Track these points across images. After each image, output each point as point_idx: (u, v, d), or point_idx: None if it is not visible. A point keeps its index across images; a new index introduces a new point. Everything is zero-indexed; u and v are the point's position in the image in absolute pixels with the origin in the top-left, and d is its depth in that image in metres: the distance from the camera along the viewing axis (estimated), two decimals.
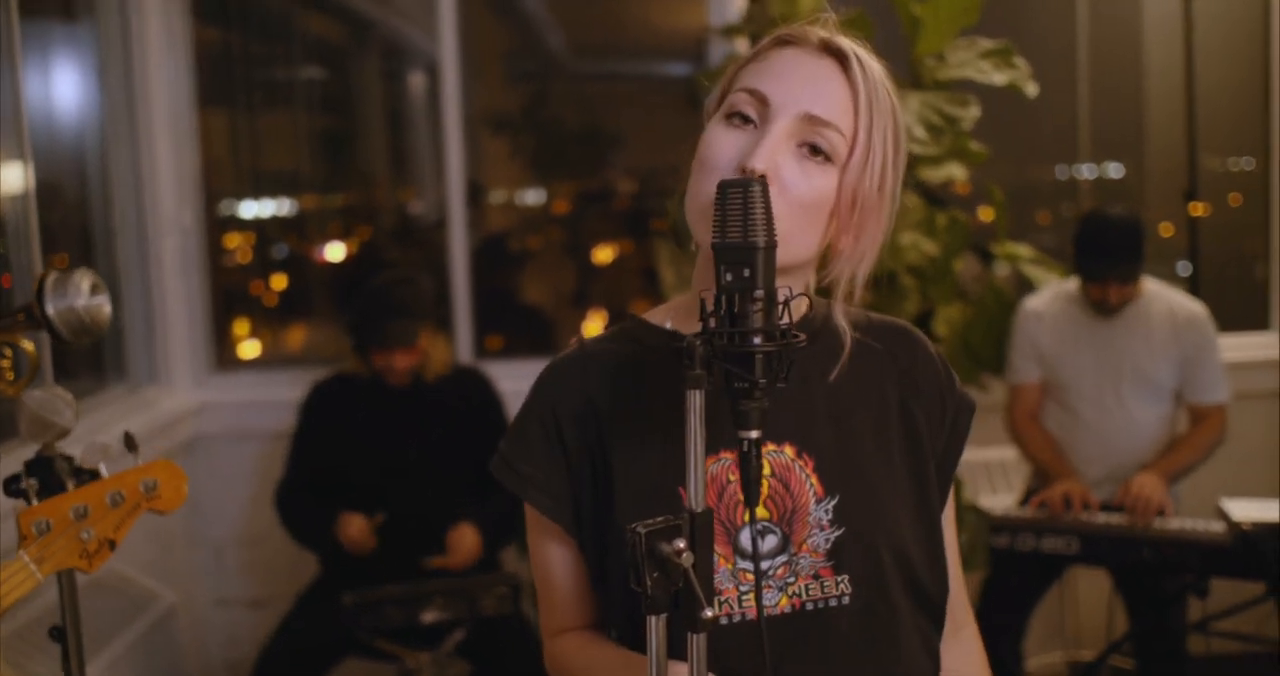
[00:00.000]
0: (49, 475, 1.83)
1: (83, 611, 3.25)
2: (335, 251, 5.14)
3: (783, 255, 1.26)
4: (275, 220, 5.08)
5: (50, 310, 2.01)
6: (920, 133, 3.23)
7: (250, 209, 5.02)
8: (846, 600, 1.33)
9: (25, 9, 3.73)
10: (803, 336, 1.17)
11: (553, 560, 1.42)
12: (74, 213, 4.05)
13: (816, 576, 1.32)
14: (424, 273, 4.12)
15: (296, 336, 5.04)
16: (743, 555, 1.32)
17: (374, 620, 3.11)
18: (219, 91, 4.64)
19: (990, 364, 3.76)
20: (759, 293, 1.14)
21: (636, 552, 1.10)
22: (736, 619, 1.31)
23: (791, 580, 1.32)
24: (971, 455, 3.87)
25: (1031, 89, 3.37)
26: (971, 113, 3.27)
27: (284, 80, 5.17)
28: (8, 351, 2.16)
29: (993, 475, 3.90)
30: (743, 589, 1.32)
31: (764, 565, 1.32)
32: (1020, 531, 3.22)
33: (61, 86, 3.99)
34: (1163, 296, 3.48)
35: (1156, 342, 3.42)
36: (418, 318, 3.42)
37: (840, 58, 1.31)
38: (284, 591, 3.77)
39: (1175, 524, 3.18)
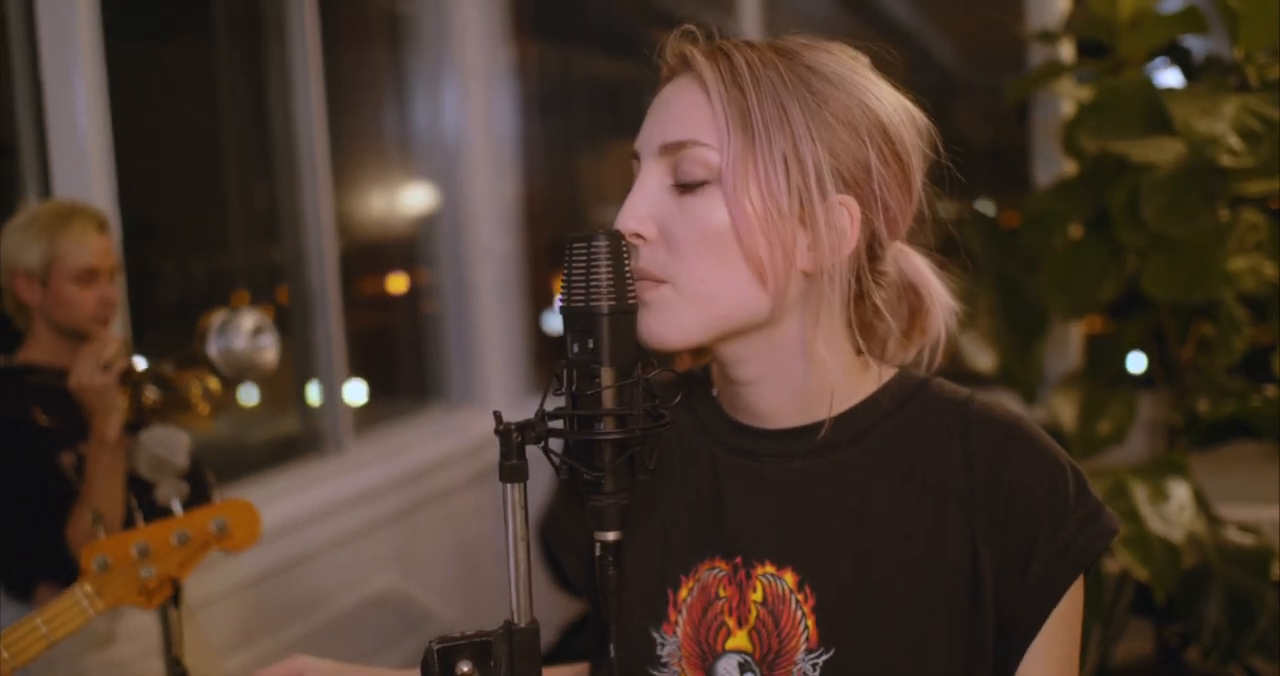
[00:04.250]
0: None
1: (355, 626, 3.39)
2: None
3: (721, 319, 1.06)
4: None
5: (213, 350, 2.07)
6: (1235, 142, 2.78)
7: None
8: None
9: (358, 41, 3.94)
10: (666, 419, 0.98)
11: None
12: (404, 239, 4.24)
13: None
14: None
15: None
16: None
17: None
18: (561, 116, 4.71)
19: None
20: (596, 367, 0.95)
21: (429, 673, 0.94)
22: None
23: None
24: None
25: None
26: None
27: (639, 103, 5.19)
28: (196, 385, 2.25)
29: None
30: None
31: None
32: None
33: (401, 117, 4.19)
34: None
35: None
36: None
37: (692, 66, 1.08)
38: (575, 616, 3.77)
39: None
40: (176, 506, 1.78)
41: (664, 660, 1.14)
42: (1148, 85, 3.15)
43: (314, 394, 3.61)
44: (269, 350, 2.10)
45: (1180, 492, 2.66)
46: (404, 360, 4.29)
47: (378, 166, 4.22)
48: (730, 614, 1.12)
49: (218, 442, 3.30)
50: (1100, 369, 3.41)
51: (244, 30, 3.50)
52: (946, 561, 1.07)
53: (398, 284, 4.25)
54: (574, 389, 0.97)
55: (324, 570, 3.32)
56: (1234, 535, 2.71)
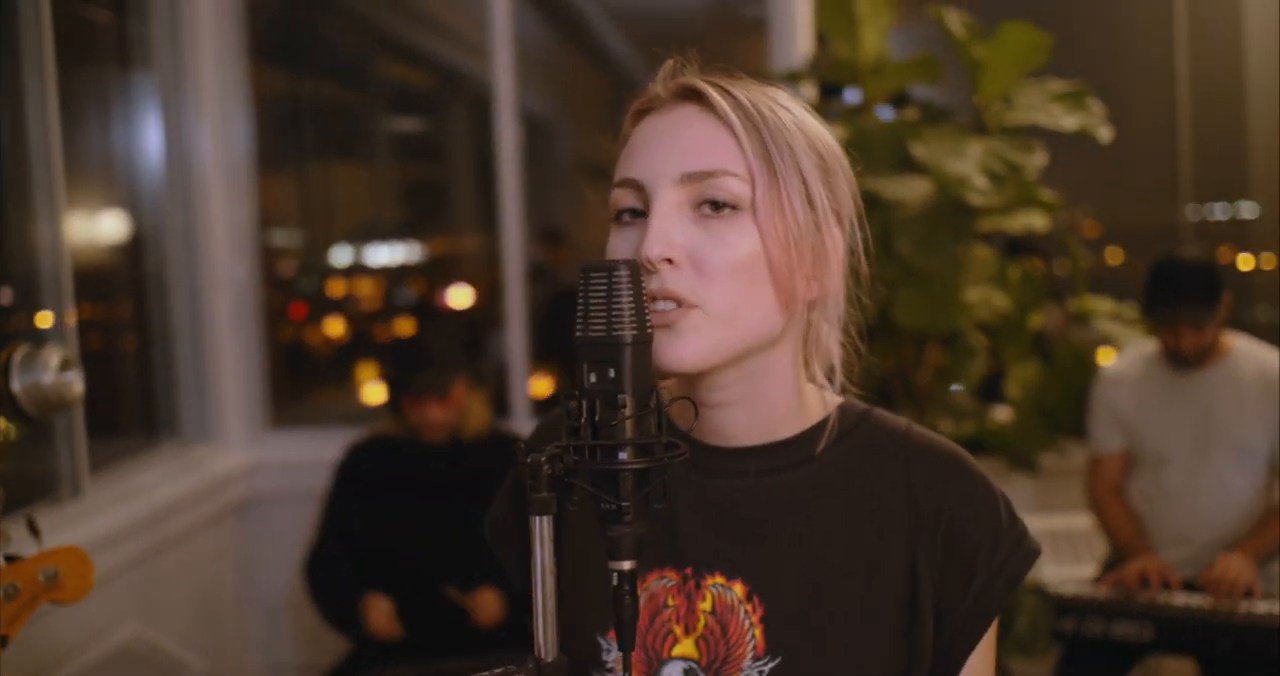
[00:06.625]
0: None
1: None
2: (461, 296, 5.06)
3: (744, 341, 1.09)
4: (404, 267, 5.04)
5: (16, 386, 1.91)
6: (981, 182, 3.00)
7: (379, 255, 4.97)
8: None
9: (81, 59, 3.71)
10: (683, 449, 0.99)
11: None
12: (130, 264, 4.01)
13: None
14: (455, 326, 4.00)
15: None
16: None
17: None
18: (289, 140, 4.60)
19: (1068, 426, 3.49)
20: (623, 397, 0.96)
21: None
22: None
23: None
24: (1044, 523, 3.59)
25: (1104, 134, 3.12)
26: (1036, 159, 3.03)
27: (364, 129, 5.13)
28: None
29: (1062, 545, 3.61)
30: None
31: None
32: (1089, 615, 2.92)
33: (128, 138, 3.96)
34: (1254, 354, 3.16)
35: (1248, 404, 3.11)
36: (449, 368, 3.30)
37: (698, 97, 1.12)
38: (340, 657, 3.64)
39: (1263, 607, 2.87)
40: None
41: (609, 665, 1.16)
42: (897, 126, 3.35)
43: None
44: (75, 384, 1.95)
45: None
46: (127, 395, 4.05)
47: (103, 190, 3.98)
48: (678, 622, 1.15)
49: None
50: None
51: None
52: (887, 581, 1.13)
53: (124, 311, 4.01)
54: (595, 419, 0.97)
55: (65, 622, 3.09)
56: None
